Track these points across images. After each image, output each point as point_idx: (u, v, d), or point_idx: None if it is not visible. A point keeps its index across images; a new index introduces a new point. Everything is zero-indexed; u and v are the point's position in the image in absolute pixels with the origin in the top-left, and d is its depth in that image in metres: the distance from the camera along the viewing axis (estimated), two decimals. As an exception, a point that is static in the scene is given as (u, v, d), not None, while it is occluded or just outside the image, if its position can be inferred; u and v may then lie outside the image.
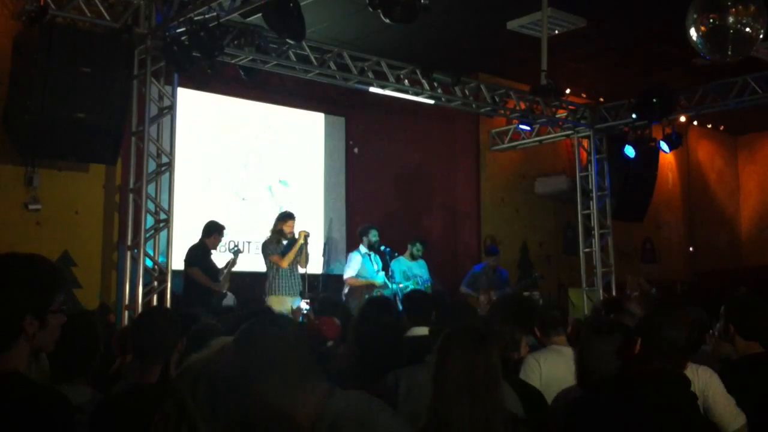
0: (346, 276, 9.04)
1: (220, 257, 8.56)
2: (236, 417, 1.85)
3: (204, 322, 4.68)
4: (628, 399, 2.90)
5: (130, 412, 2.78)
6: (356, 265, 9.00)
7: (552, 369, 3.64)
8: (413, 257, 9.40)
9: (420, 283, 9.12)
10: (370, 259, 9.06)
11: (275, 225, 8.49)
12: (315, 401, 1.95)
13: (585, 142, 11.91)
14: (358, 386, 2.57)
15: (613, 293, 11.30)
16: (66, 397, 2.06)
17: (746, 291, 7.96)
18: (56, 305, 2.10)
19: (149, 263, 7.62)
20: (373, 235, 9.02)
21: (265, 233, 8.71)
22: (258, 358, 1.90)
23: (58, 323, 2.12)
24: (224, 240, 8.56)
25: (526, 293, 9.51)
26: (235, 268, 8.32)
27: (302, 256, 8.42)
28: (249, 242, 9.40)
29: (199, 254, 7.99)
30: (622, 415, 2.86)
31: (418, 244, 9.39)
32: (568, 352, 3.78)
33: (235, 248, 8.48)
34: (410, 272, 9.24)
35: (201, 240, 8.13)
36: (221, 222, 8.29)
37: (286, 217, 8.49)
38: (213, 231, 8.11)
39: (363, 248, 9.10)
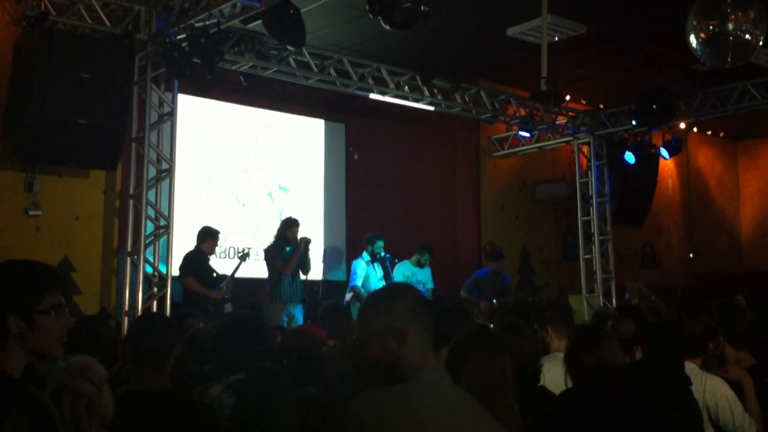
0: (352, 284, 9.05)
1: (226, 264, 8.54)
2: None
3: (198, 328, 4.68)
4: (629, 388, 2.94)
5: (122, 418, 2.74)
6: (362, 273, 9.00)
7: (554, 377, 3.63)
8: (419, 264, 9.36)
9: (422, 290, 9.09)
10: (374, 266, 9.05)
11: (280, 231, 8.48)
12: None
13: (585, 149, 11.91)
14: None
15: (614, 299, 11.30)
16: (34, 395, 2.06)
17: (744, 298, 7.92)
18: (43, 306, 2.11)
19: (149, 269, 7.61)
20: (378, 247, 8.97)
21: (266, 239, 8.70)
22: None
23: (52, 325, 2.13)
24: (228, 245, 8.50)
25: (530, 299, 9.48)
26: (236, 274, 8.27)
27: (306, 263, 8.41)
28: (249, 248, 9.39)
29: (193, 262, 7.89)
30: (625, 404, 2.89)
31: (426, 254, 9.32)
32: None
33: (242, 254, 8.46)
34: (414, 278, 9.20)
35: (197, 246, 8.06)
36: (218, 227, 8.22)
37: (291, 224, 8.49)
38: (206, 236, 8.04)
39: (366, 255, 9.09)
